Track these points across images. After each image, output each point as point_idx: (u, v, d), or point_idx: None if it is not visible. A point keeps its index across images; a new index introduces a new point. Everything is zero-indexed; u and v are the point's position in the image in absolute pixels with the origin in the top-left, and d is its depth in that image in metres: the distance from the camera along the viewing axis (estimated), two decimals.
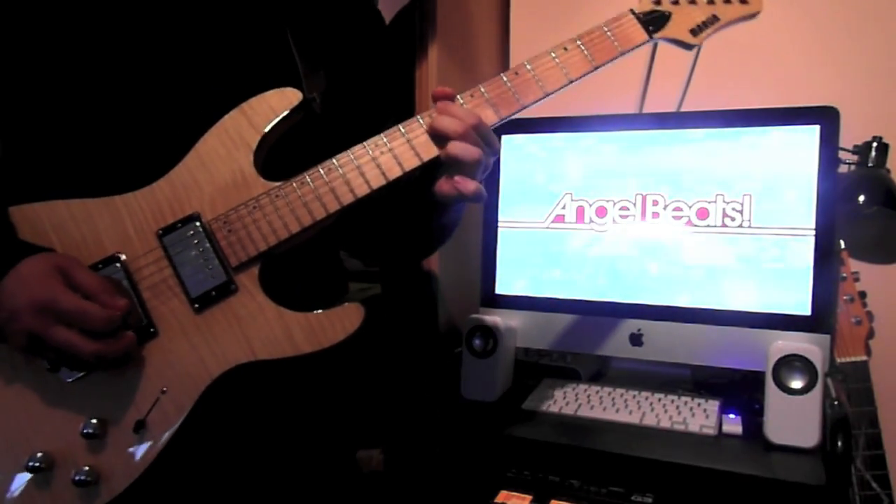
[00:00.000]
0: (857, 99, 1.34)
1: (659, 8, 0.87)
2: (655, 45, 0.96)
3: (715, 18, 0.87)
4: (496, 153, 0.82)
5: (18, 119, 0.81)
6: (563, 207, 1.33)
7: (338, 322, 0.77)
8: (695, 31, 0.87)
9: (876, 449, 1.23)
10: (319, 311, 0.78)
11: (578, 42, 0.84)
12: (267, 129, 0.79)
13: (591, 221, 1.32)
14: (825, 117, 1.16)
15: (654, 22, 0.86)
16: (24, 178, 0.81)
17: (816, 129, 1.16)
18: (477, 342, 1.29)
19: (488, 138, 0.80)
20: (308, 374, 0.87)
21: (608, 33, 0.85)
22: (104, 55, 0.80)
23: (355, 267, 1.45)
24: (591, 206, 1.32)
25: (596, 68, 0.84)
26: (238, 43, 0.84)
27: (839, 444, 1.03)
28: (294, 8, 0.88)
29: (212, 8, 0.84)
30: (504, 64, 1.73)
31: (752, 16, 0.89)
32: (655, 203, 1.27)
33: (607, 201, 1.30)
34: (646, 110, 1.55)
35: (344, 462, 1.02)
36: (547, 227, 1.35)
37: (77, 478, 0.72)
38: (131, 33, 0.81)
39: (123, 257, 0.77)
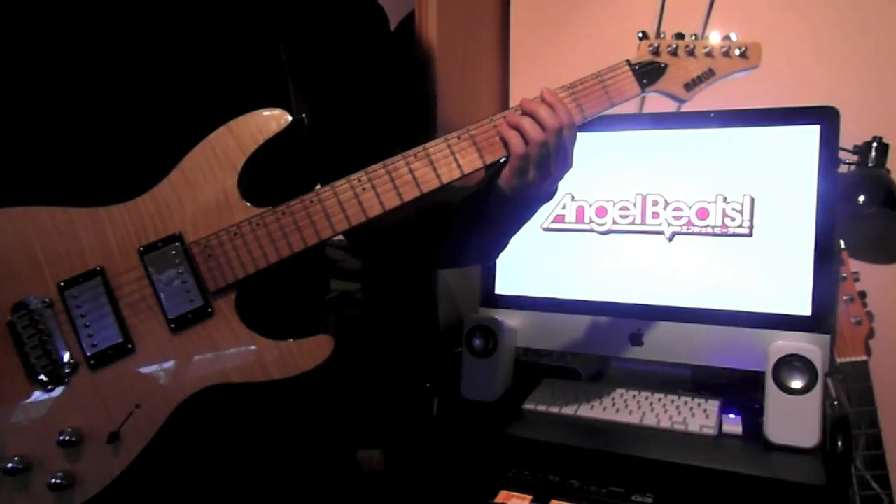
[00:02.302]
0: (857, 99, 1.33)
1: (657, 59, 0.86)
2: None
3: (711, 73, 0.87)
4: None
5: (9, 124, 0.81)
6: (564, 207, 1.34)
7: (307, 352, 0.79)
8: (688, 86, 0.86)
9: (876, 449, 1.23)
10: (291, 340, 0.80)
11: (570, 91, 0.84)
12: (253, 151, 0.79)
13: (591, 221, 1.32)
14: (825, 117, 1.16)
15: (648, 75, 0.85)
16: (10, 183, 0.80)
17: (816, 129, 1.16)
18: (477, 342, 1.29)
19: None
20: (305, 376, 0.86)
21: (601, 84, 0.84)
22: (96, 63, 0.80)
23: (354, 266, 1.46)
24: (591, 206, 1.32)
25: (584, 119, 0.84)
26: (230, 58, 0.84)
27: (839, 444, 1.03)
28: (289, 27, 0.87)
29: (206, 22, 0.83)
30: (504, 76, 1.73)
31: (751, 69, 0.88)
32: (655, 203, 1.27)
33: (607, 201, 1.30)
34: (646, 110, 1.55)
35: (344, 462, 1.02)
36: (547, 227, 1.35)
37: (52, 481, 0.74)
38: (124, 43, 0.81)
39: (105, 272, 0.78)
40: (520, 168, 0.80)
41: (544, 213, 1.35)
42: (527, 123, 0.79)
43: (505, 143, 0.80)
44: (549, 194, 0.87)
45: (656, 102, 1.54)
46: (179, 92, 0.81)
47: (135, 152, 0.80)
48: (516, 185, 0.82)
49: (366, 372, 1.38)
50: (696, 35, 0.87)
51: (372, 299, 1.50)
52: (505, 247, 0.95)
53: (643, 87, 0.85)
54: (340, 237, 1.01)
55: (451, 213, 0.89)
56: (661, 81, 0.86)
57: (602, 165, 1.31)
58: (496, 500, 1.07)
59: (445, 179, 0.81)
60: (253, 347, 0.79)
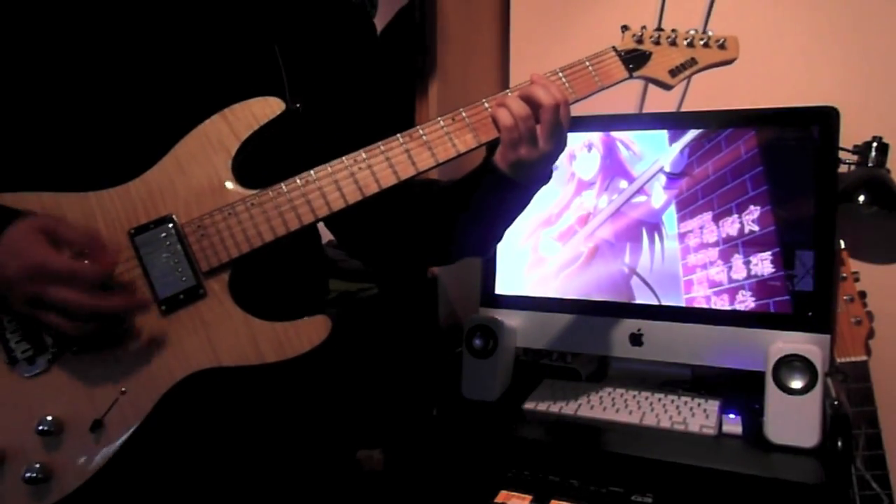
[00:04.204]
0: (857, 99, 1.33)
1: (640, 47, 0.89)
2: None
3: (693, 62, 0.91)
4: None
5: (3, 110, 0.81)
6: (564, 206, 1.34)
7: (304, 333, 0.77)
8: (673, 73, 0.90)
9: (876, 449, 1.23)
10: (288, 321, 0.77)
11: (560, 74, 0.86)
12: (247, 137, 0.79)
13: (592, 220, 1.32)
14: (825, 117, 1.16)
15: (634, 60, 0.89)
16: (5, 169, 0.80)
17: (816, 129, 1.16)
18: (477, 342, 1.29)
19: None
20: (306, 373, 0.87)
21: (590, 68, 0.87)
22: (91, 54, 0.79)
23: (354, 266, 1.46)
24: (591, 205, 1.32)
25: (576, 101, 0.86)
26: (225, 50, 0.84)
27: (839, 444, 1.03)
28: (284, 19, 0.88)
29: (202, 16, 0.84)
30: (504, 69, 1.74)
31: (729, 62, 0.92)
32: (669, 199, 1.27)
33: (607, 200, 1.31)
34: (646, 110, 1.55)
35: (344, 462, 1.02)
36: (547, 227, 1.35)
37: (27, 475, 0.72)
38: (118, 35, 0.81)
39: None
40: (511, 142, 0.81)
41: (545, 213, 1.35)
42: (513, 101, 0.81)
43: (494, 121, 0.82)
44: (545, 177, 0.87)
45: (656, 103, 1.55)
46: (175, 83, 0.81)
47: (128, 142, 0.79)
48: (511, 160, 0.83)
49: (366, 372, 1.38)
50: (675, 29, 0.91)
51: (381, 299, 1.50)
52: (500, 238, 0.95)
53: (630, 71, 0.89)
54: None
55: (442, 197, 0.89)
56: (647, 67, 0.89)
57: (602, 165, 1.31)
58: (496, 500, 1.07)
59: (441, 158, 0.82)
60: (246, 329, 0.77)
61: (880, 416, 1.25)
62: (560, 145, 0.84)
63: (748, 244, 1.20)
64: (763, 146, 1.20)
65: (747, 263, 1.20)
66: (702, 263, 1.24)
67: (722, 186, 1.23)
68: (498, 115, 0.81)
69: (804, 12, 1.43)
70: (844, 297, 1.28)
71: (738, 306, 1.21)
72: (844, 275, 1.28)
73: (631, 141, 1.30)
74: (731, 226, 1.22)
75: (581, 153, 1.32)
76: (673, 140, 1.26)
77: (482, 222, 0.90)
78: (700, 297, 1.23)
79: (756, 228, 1.20)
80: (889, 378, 1.32)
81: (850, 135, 1.27)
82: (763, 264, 1.19)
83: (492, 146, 0.85)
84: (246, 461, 0.85)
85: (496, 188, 0.85)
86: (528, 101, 0.81)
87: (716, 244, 1.23)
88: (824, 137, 1.16)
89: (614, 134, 1.31)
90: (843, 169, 1.31)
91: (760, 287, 1.19)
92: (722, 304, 1.22)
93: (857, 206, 1.27)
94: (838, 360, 1.28)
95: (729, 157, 1.22)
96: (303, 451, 0.90)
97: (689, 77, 0.91)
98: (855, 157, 1.33)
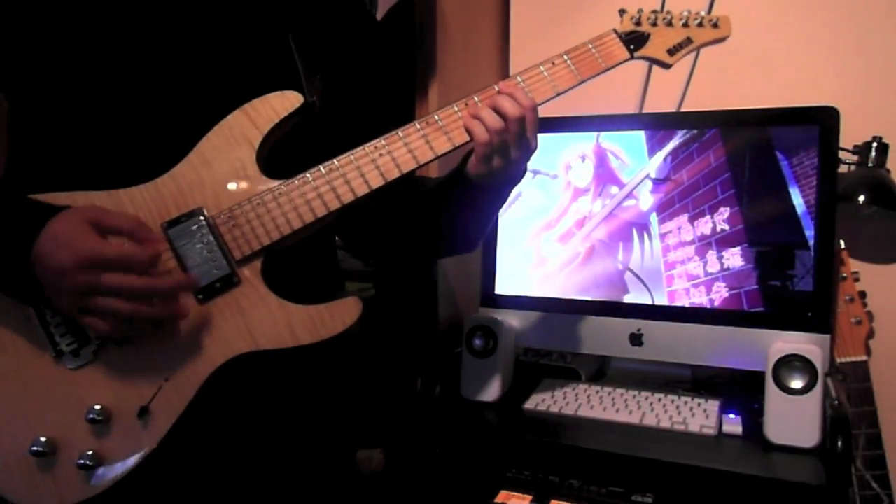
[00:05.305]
0: (857, 99, 1.33)
1: (639, 29, 0.94)
2: None
3: (689, 41, 0.95)
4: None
5: (27, 116, 0.82)
6: (563, 212, 1.34)
7: (337, 315, 0.80)
8: (671, 52, 0.95)
9: (876, 449, 1.23)
10: (320, 304, 0.80)
11: (566, 57, 0.90)
12: (269, 129, 0.81)
13: (588, 223, 1.32)
14: (825, 117, 1.16)
15: (634, 41, 0.93)
16: (32, 173, 0.82)
17: (816, 129, 1.16)
18: (477, 342, 1.29)
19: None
20: (308, 373, 0.87)
21: (593, 50, 0.91)
22: (110, 56, 0.80)
23: (354, 267, 1.46)
24: (586, 209, 1.32)
25: (581, 82, 0.90)
26: (242, 46, 0.85)
27: (839, 444, 1.03)
28: (297, 14, 0.89)
29: (218, 11, 0.85)
30: (504, 68, 1.74)
31: (722, 39, 0.97)
32: (655, 202, 1.27)
33: (601, 205, 1.31)
34: (646, 110, 1.55)
35: (344, 462, 1.02)
36: (547, 227, 1.35)
37: (80, 461, 0.75)
38: (138, 35, 0.82)
39: None
40: (485, 156, 0.84)
41: (545, 213, 1.35)
42: (486, 114, 0.83)
43: (469, 133, 0.84)
44: (517, 177, 0.90)
45: (656, 103, 1.55)
46: (195, 80, 0.83)
47: (152, 140, 0.81)
48: (484, 170, 0.85)
49: (366, 371, 1.38)
50: (669, 10, 0.95)
51: (381, 299, 1.50)
52: (483, 235, 0.98)
53: (631, 52, 0.92)
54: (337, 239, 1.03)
55: (426, 199, 0.93)
56: (647, 48, 0.94)
57: (602, 165, 1.31)
58: (496, 500, 1.07)
59: (458, 142, 0.85)
60: (282, 313, 0.80)
61: (880, 416, 1.25)
62: (530, 150, 0.86)
63: (720, 241, 1.23)
64: (730, 153, 1.22)
65: (720, 258, 1.23)
66: (681, 259, 1.26)
67: (697, 190, 1.26)
68: (473, 129, 0.83)
69: (804, 12, 1.43)
70: (844, 297, 1.28)
71: (714, 296, 1.22)
72: (844, 275, 1.28)
73: (619, 150, 1.32)
74: (704, 225, 1.24)
75: (576, 163, 1.34)
76: (658, 147, 1.28)
77: (461, 224, 0.93)
78: (680, 289, 1.26)
79: (727, 227, 1.23)
80: (889, 378, 1.32)
81: (850, 135, 1.27)
82: (734, 258, 1.22)
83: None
84: (246, 462, 0.86)
85: (471, 195, 0.88)
86: (498, 112, 0.82)
87: (692, 242, 1.25)
88: (824, 137, 1.16)
89: (605, 144, 1.32)
90: (843, 169, 1.31)
91: (732, 278, 1.22)
92: (700, 295, 1.23)
93: (857, 206, 1.27)
94: (838, 360, 1.28)
95: (704, 162, 1.25)
96: (303, 452, 0.90)
97: (686, 55, 0.95)
98: (855, 157, 1.33)
